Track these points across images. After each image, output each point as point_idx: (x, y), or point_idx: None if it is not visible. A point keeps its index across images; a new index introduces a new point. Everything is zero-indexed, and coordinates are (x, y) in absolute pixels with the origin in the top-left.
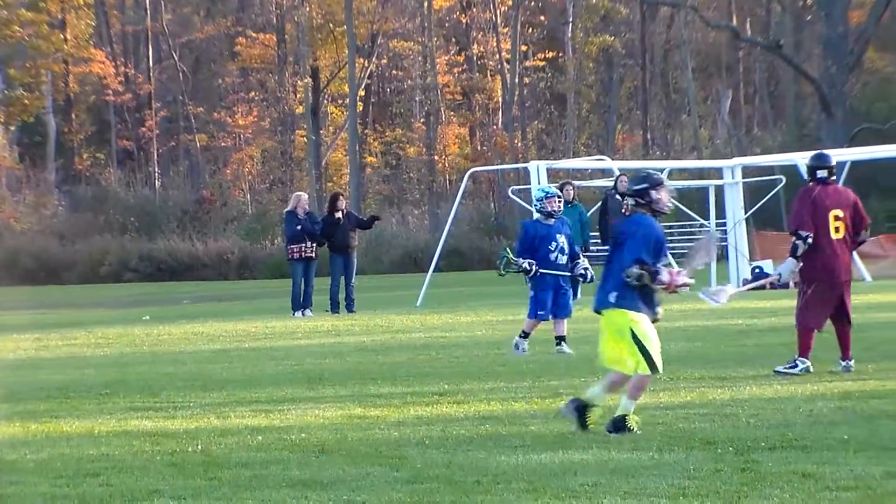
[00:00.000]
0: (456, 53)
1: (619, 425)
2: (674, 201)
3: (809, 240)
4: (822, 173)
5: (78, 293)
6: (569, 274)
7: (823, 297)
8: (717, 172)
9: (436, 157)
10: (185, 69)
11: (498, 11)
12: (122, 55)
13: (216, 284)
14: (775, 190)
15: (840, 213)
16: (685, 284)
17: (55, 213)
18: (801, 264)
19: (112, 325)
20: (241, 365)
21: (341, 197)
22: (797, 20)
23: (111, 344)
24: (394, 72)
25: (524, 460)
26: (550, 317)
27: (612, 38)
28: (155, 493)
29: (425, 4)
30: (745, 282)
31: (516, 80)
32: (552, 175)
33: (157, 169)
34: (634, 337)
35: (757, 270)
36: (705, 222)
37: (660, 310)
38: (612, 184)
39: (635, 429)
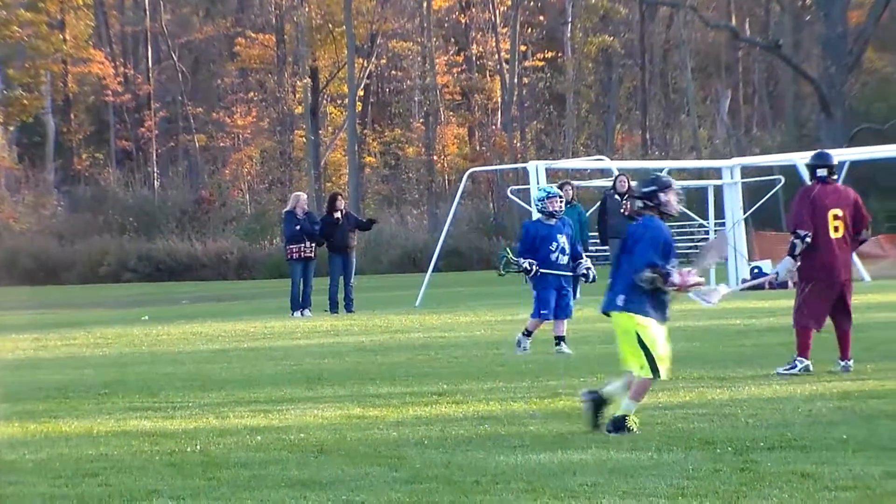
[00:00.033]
0: (455, 53)
1: (618, 425)
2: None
3: (808, 239)
4: (822, 172)
5: (77, 293)
6: (570, 274)
7: (821, 295)
8: (716, 172)
9: (435, 158)
10: (184, 69)
11: (497, 11)
12: (122, 55)
13: (215, 284)
14: (774, 190)
15: (839, 212)
16: (697, 284)
17: (54, 213)
18: (800, 263)
19: (111, 325)
20: (239, 365)
21: (340, 197)
22: (796, 20)
23: (110, 344)
24: (393, 72)
25: (523, 460)
26: (552, 317)
27: (612, 38)
28: (154, 493)
29: (424, 4)
30: (744, 282)
31: (515, 81)
32: (551, 175)
33: (156, 169)
34: (640, 341)
35: (756, 271)
36: (704, 222)
37: (668, 311)
38: (610, 184)
39: (635, 429)
